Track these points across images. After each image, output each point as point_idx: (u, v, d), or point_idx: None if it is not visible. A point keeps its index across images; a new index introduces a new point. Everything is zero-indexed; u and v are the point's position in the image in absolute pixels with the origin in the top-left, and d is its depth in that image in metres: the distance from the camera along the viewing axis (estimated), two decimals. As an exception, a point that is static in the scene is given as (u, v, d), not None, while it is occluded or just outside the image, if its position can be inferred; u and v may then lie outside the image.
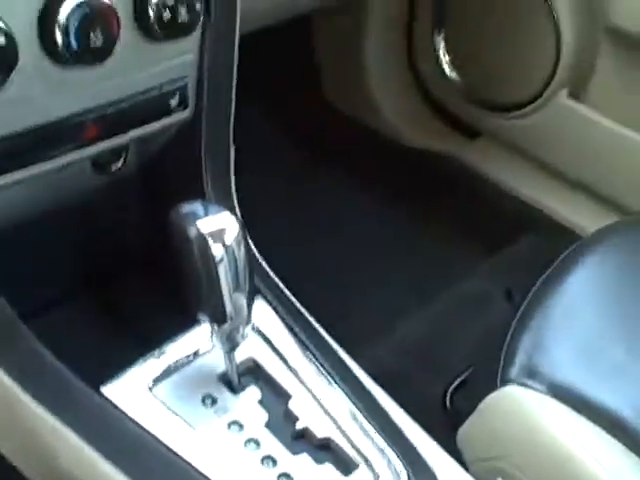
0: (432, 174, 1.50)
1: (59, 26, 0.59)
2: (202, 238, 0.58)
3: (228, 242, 0.59)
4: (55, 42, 0.60)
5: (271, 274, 0.75)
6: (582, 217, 1.36)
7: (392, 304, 1.26)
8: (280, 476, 0.62)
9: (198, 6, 0.67)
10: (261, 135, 1.42)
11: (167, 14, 0.65)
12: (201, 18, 0.69)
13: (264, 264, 0.76)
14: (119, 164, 0.76)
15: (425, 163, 1.52)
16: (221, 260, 0.59)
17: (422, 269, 1.35)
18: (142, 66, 0.68)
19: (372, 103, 1.54)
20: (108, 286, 0.81)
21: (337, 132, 1.56)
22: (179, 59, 0.71)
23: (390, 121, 1.55)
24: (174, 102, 0.72)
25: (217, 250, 0.58)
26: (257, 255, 0.76)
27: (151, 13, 0.64)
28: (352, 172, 1.51)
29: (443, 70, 1.47)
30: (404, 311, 1.24)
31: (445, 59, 1.46)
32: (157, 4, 0.64)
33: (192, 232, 0.58)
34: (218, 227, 0.59)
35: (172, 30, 0.67)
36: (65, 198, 0.75)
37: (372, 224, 1.44)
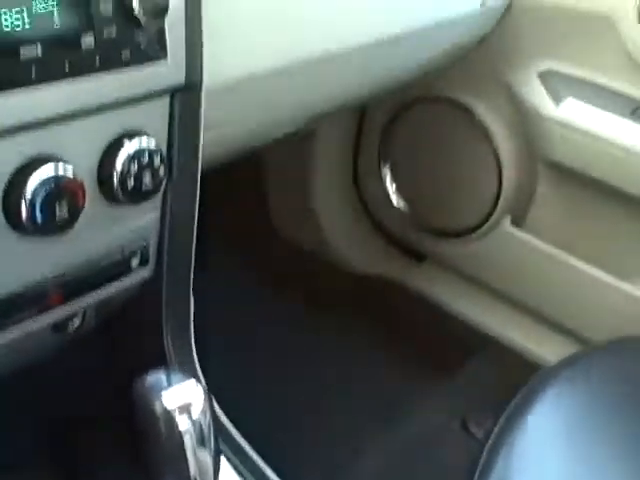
0: (380, 299, 1.52)
1: (25, 201, 0.58)
2: (168, 414, 0.57)
3: (195, 415, 0.58)
4: (20, 216, 0.59)
5: (236, 436, 0.74)
6: (530, 341, 1.38)
7: (350, 441, 1.24)
8: None
9: (162, 171, 0.67)
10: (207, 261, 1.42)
11: (131, 181, 0.65)
12: (164, 182, 0.69)
13: (230, 427, 0.75)
14: (77, 323, 0.75)
15: (373, 289, 1.53)
16: (186, 433, 0.58)
17: (375, 400, 1.34)
18: (105, 230, 0.68)
19: (320, 232, 1.57)
20: (65, 449, 0.78)
21: (285, 259, 1.58)
22: (141, 220, 0.71)
23: (339, 249, 1.58)
24: (135, 262, 0.72)
25: (183, 424, 0.58)
26: (222, 418, 0.75)
27: (115, 181, 0.64)
28: (299, 300, 1.51)
29: (389, 199, 1.51)
30: (362, 447, 1.22)
31: (391, 188, 1.50)
32: (122, 172, 0.64)
33: (158, 407, 0.57)
34: (184, 401, 0.58)
35: (136, 195, 0.66)
36: (19, 359, 0.73)
37: (324, 354, 1.43)
